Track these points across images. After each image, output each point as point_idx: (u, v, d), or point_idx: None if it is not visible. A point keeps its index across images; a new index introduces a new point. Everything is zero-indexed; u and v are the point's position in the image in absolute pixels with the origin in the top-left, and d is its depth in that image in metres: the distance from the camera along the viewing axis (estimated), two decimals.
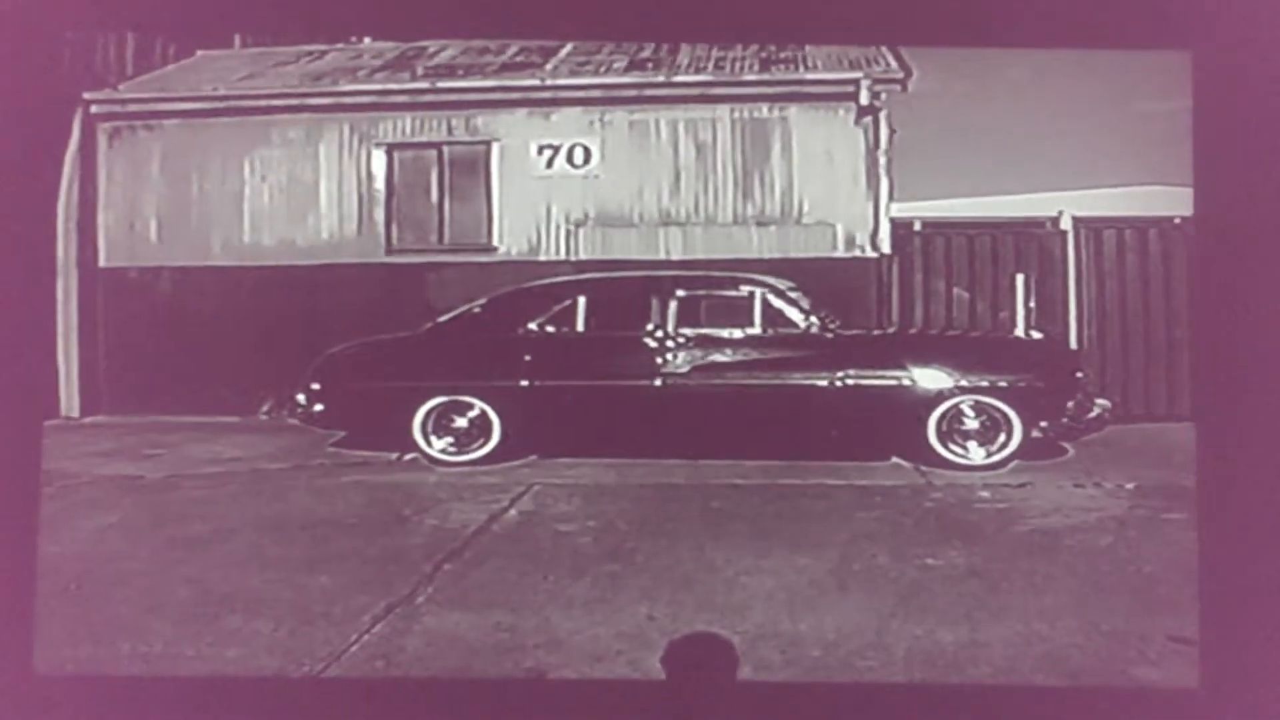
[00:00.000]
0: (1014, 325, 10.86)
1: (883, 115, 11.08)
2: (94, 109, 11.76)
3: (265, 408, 11.56)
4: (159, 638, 4.97)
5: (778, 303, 8.79)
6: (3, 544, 4.01)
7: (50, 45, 3.96)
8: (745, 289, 8.90)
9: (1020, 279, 11.03)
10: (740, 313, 8.85)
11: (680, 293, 8.88)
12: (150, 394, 11.66)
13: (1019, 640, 4.77)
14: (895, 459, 8.77)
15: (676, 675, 4.23)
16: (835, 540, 6.44)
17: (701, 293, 8.99)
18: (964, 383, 8.46)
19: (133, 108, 11.85)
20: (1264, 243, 3.60)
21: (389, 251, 11.70)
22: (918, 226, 11.39)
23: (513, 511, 7.26)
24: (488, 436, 8.87)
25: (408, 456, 9.07)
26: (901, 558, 6.04)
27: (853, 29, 4.31)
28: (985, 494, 7.65)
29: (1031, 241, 11.22)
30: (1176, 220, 11.24)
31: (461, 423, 8.92)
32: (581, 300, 8.98)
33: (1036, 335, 9.74)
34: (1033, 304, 11.00)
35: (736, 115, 11.26)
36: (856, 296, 10.96)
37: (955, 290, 11.21)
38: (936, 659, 4.60)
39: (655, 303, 8.85)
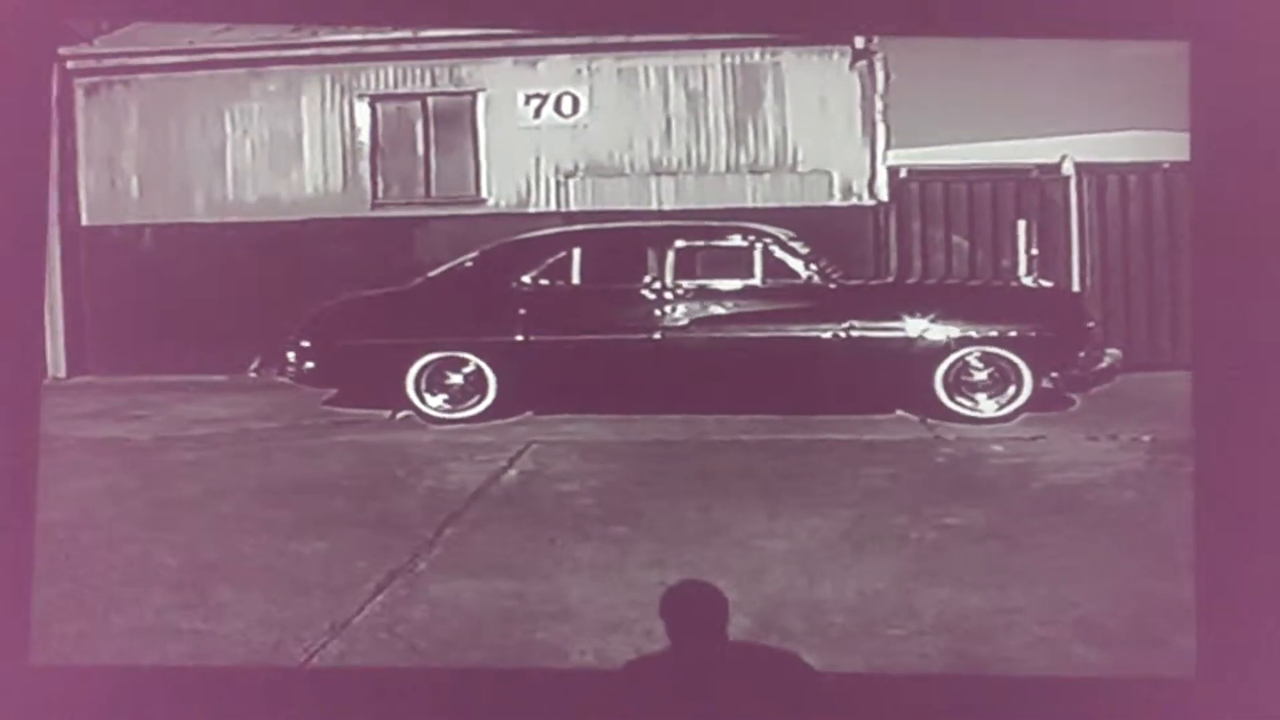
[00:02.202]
0: (1016, 273, 10.63)
1: (878, 59, 10.79)
2: (70, 64, 11.40)
3: (253, 366, 11.29)
4: (150, 610, 4.76)
5: (779, 253, 8.55)
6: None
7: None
8: (745, 239, 8.65)
9: (1022, 226, 10.79)
10: (740, 264, 8.61)
11: (678, 243, 8.62)
12: (137, 353, 11.38)
13: (1050, 605, 4.59)
14: (900, 412, 8.56)
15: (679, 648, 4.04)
16: (847, 499, 6.25)
17: (700, 243, 8.74)
18: (972, 333, 8.25)
19: (109, 63, 11.50)
20: (1263, 240, 3.55)
21: (374, 205, 11.40)
22: (903, 174, 11.11)
23: (512, 471, 7.05)
24: (483, 393, 8.63)
25: (401, 414, 8.82)
26: (918, 517, 5.85)
27: (850, 18, 4.18)
28: (998, 448, 7.45)
29: (1033, 188, 10.97)
30: (1165, 165, 11.04)
31: (456, 379, 8.68)
32: (576, 252, 8.72)
33: (1045, 284, 9.52)
34: (1034, 251, 10.77)
35: (728, 61, 10.95)
36: (854, 245, 10.69)
37: (955, 238, 10.98)
38: (966, 625, 4.42)
39: (652, 254, 8.60)
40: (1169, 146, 11.31)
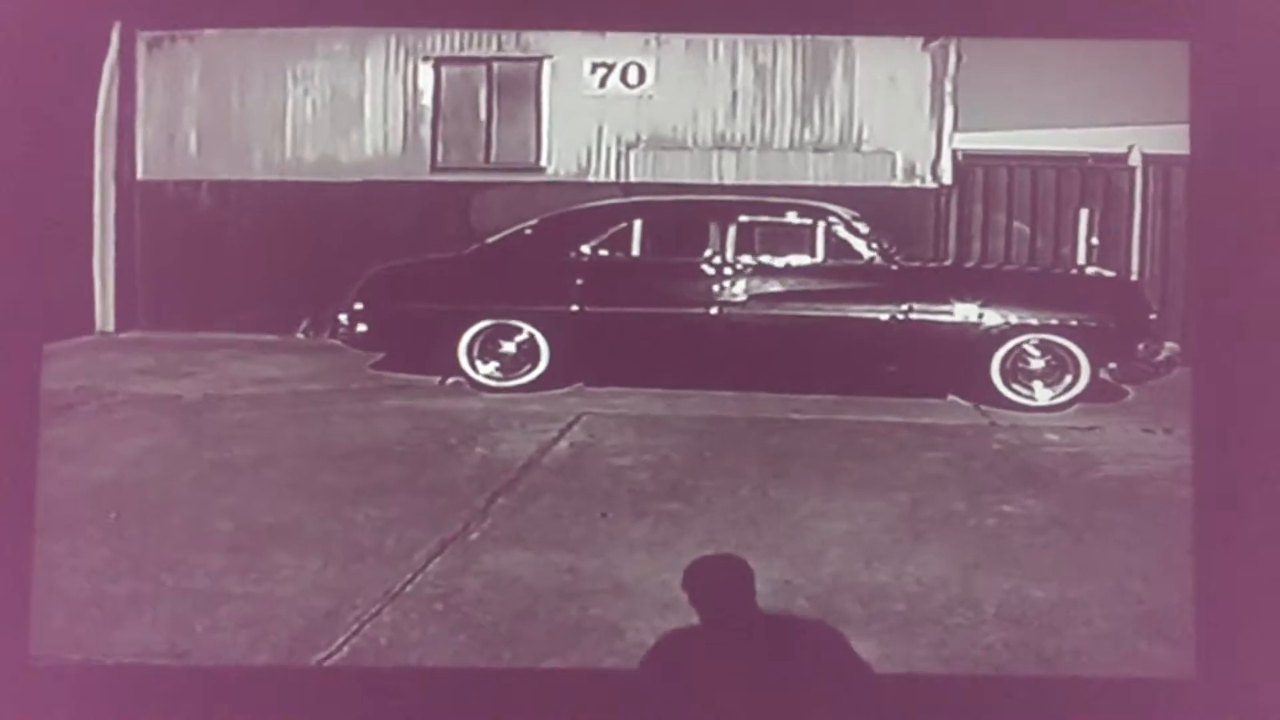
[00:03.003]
0: (1075, 261, 10.48)
1: (951, 42, 10.63)
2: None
3: (302, 327, 11.30)
4: (203, 572, 4.77)
5: (842, 232, 8.45)
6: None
7: None
8: (808, 217, 8.55)
9: (1084, 214, 10.64)
10: (801, 241, 8.51)
11: (741, 219, 8.53)
12: (187, 310, 11.39)
13: (1114, 599, 4.53)
14: (952, 397, 8.45)
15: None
16: (903, 483, 6.18)
17: (762, 219, 8.64)
18: (1032, 320, 8.13)
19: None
20: (1261, 236, 3.51)
21: (434, 169, 11.34)
22: (959, 156, 10.95)
23: (564, 443, 7.01)
24: (535, 362, 8.58)
25: (450, 380, 8.80)
26: (976, 504, 5.78)
27: (866, 21, 4.16)
28: (1053, 437, 7.35)
29: (1098, 176, 10.80)
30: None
31: (509, 347, 8.63)
32: (637, 224, 8.65)
33: (1106, 273, 9.37)
34: (1095, 240, 10.62)
35: (798, 37, 10.82)
36: (914, 227, 10.56)
37: (1015, 224, 10.82)
38: (1029, 617, 4.36)
39: (714, 228, 8.51)
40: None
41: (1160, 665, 3.98)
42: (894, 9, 3.98)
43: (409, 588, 4.62)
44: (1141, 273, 10.50)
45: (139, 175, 11.62)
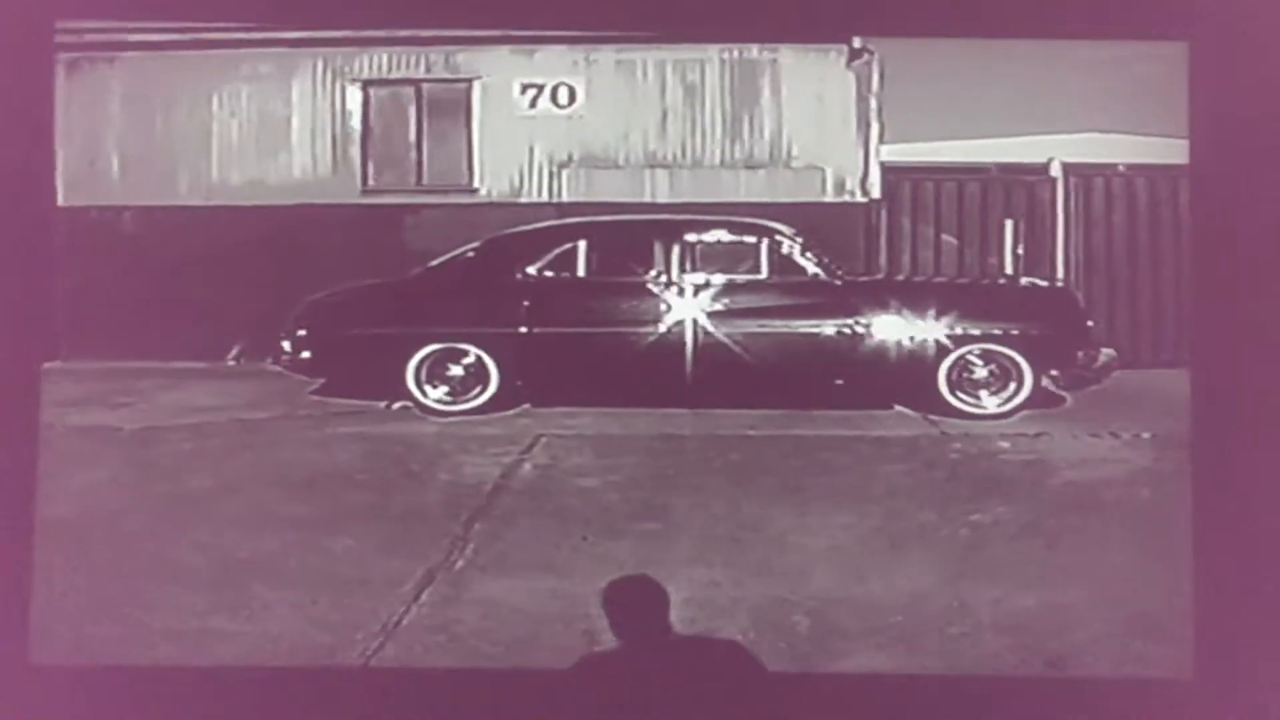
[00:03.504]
0: (1003, 271, 10.72)
1: (875, 57, 10.81)
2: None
3: (233, 353, 11.12)
4: (190, 613, 4.67)
5: (786, 248, 8.56)
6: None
7: None
8: (752, 235, 8.65)
9: (1009, 225, 10.88)
10: (746, 259, 8.60)
11: (686, 237, 8.60)
12: (111, 338, 11.15)
13: (1103, 603, 4.63)
14: (899, 408, 8.58)
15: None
16: (872, 495, 6.27)
17: (707, 238, 8.70)
18: (976, 330, 8.30)
19: (92, 39, 11.26)
20: (1261, 239, 3.61)
21: (364, 191, 11.24)
22: (884, 168, 11.14)
23: (526, 465, 6.99)
24: (484, 385, 8.55)
25: (396, 405, 8.73)
26: (947, 515, 5.88)
27: (856, 21, 4.21)
28: (1006, 445, 7.50)
29: (1021, 188, 11.05)
30: (1121, 168, 11.21)
31: (457, 371, 8.58)
32: (582, 244, 8.66)
33: (1042, 283, 9.60)
34: (1021, 250, 10.87)
35: (726, 56, 10.91)
36: (845, 241, 10.70)
37: (944, 236, 11.03)
38: (1026, 624, 4.45)
39: (659, 247, 8.56)
40: (1156, 150, 11.45)
41: (1158, 666, 4.09)
42: (893, 8, 4.02)
43: (405, 620, 4.58)
44: (1066, 280, 10.75)
45: (59, 201, 11.34)
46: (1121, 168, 11.23)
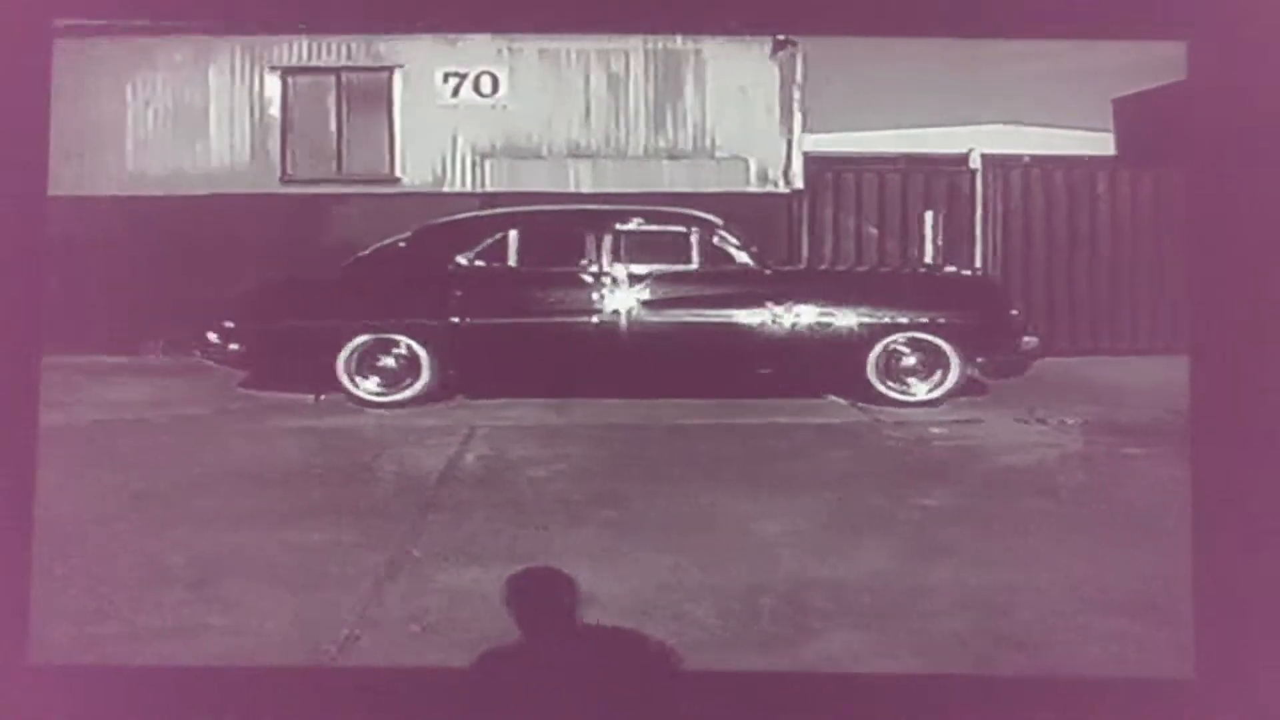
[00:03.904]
0: (922, 260, 10.92)
1: (799, 49, 10.94)
2: None
3: (157, 346, 10.90)
4: (169, 611, 4.59)
5: (716, 239, 8.63)
6: None
7: None
8: (682, 225, 8.70)
9: (929, 216, 11.08)
10: (677, 249, 8.66)
11: (617, 227, 8.62)
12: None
13: (1057, 582, 4.76)
14: (830, 396, 8.71)
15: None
16: (819, 481, 6.38)
17: (638, 228, 8.74)
18: (904, 319, 8.46)
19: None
20: (1260, 238, 3.68)
21: (284, 181, 11.11)
22: (799, 161, 11.28)
23: (470, 456, 6.98)
24: (416, 376, 8.50)
25: (323, 397, 8.64)
26: (896, 499, 5.99)
27: (849, 19, 4.23)
28: (940, 431, 7.67)
29: (941, 179, 11.27)
30: (1025, 159, 11.52)
31: (388, 362, 8.53)
32: (513, 234, 8.65)
33: (967, 273, 9.81)
34: (940, 241, 11.08)
35: (650, 46, 10.97)
36: (768, 231, 10.81)
37: (866, 227, 11.20)
38: (985, 603, 4.55)
39: (590, 238, 8.59)
40: (1072, 142, 11.71)
41: (1116, 637, 4.21)
42: (891, 6, 4.03)
43: (375, 610, 4.55)
44: (985, 269, 10.98)
45: None
46: (1027, 158, 11.51)
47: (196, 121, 11.05)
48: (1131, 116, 13.80)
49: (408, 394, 8.50)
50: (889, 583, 4.78)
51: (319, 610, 4.56)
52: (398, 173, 11.08)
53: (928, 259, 10.94)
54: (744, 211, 10.49)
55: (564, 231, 8.80)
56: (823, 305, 8.46)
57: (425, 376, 8.50)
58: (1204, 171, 3.71)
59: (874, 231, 11.18)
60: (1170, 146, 10.57)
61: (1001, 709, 3.78)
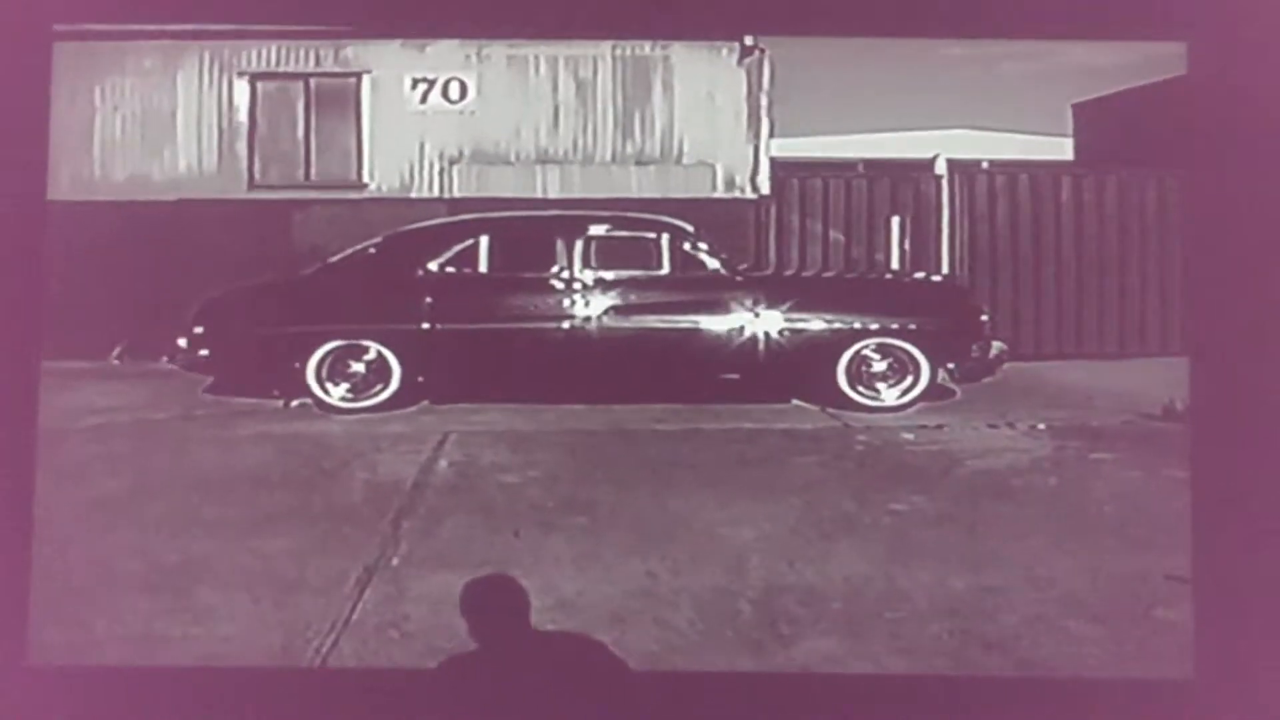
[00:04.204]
0: (888, 267, 10.99)
1: (766, 55, 10.99)
2: None
3: (116, 352, 10.83)
4: (136, 617, 4.58)
5: (687, 245, 8.66)
6: None
7: None
8: (652, 231, 8.73)
9: (895, 221, 11.15)
10: (647, 255, 8.69)
11: (587, 233, 8.64)
12: None
13: (1030, 585, 4.81)
14: (796, 401, 8.75)
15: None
16: (790, 487, 6.40)
17: (608, 234, 8.76)
18: (874, 324, 8.51)
19: None
20: (1259, 238, 3.71)
21: (251, 187, 11.07)
22: (766, 167, 11.32)
23: (441, 462, 6.98)
24: (386, 382, 8.49)
25: (294, 403, 8.61)
26: (866, 504, 6.04)
27: (848, 20, 4.26)
28: (909, 436, 7.71)
29: (907, 184, 11.33)
30: (984, 165, 11.64)
31: (358, 368, 8.50)
32: (484, 240, 8.65)
33: (936, 278, 9.87)
34: (907, 246, 11.15)
35: (618, 53, 11.00)
36: (735, 237, 10.86)
37: (831, 233, 11.25)
38: (960, 607, 4.60)
39: (561, 244, 8.60)
40: (1034, 146, 11.79)
41: (1091, 641, 4.26)
42: (890, 8, 4.06)
43: (354, 616, 4.55)
44: (951, 275, 11.05)
45: None
46: (985, 164, 11.61)
47: (164, 127, 11.00)
48: (1091, 121, 13.94)
49: (377, 400, 8.49)
50: (862, 587, 4.83)
51: (295, 615, 4.56)
52: (365, 179, 11.06)
53: (894, 264, 11.01)
54: (710, 217, 10.52)
55: (535, 237, 8.80)
56: (793, 311, 8.51)
57: (395, 382, 8.49)
58: (1203, 171, 3.73)
59: (840, 237, 11.23)
60: (1133, 150, 10.71)
61: (1002, 709, 3.80)
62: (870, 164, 11.67)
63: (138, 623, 4.51)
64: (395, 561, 5.20)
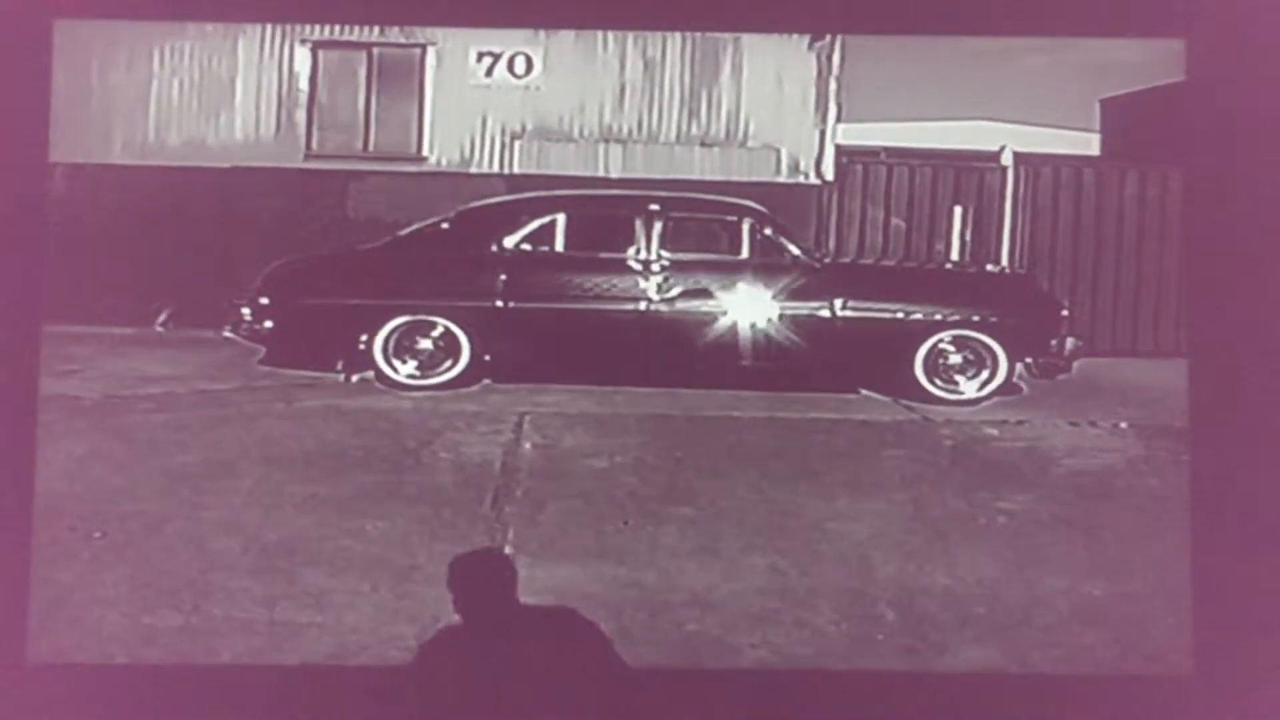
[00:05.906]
0: (948, 256, 10.83)
1: (837, 40, 10.81)
2: None
3: (161, 319, 10.66)
4: (248, 598, 4.44)
5: (768, 230, 8.49)
6: None
7: None
8: (733, 214, 8.57)
9: (958, 211, 10.99)
10: (726, 238, 8.54)
11: (668, 215, 8.47)
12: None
13: (1171, 593, 4.67)
14: (864, 391, 8.59)
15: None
16: (891, 482, 6.26)
17: (688, 216, 8.60)
18: (955, 316, 8.35)
19: None
20: (1258, 235, 3.65)
21: (308, 156, 10.86)
22: (831, 153, 11.14)
23: (526, 445, 6.83)
24: (455, 359, 8.32)
25: (355, 377, 8.45)
26: (973, 502, 5.90)
27: (863, 17, 4.19)
28: (993, 432, 7.56)
29: (972, 175, 11.17)
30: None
31: (425, 344, 8.33)
32: (561, 218, 8.48)
33: (1016, 271, 9.73)
34: (968, 236, 10.99)
35: (687, 33, 10.81)
36: (796, 222, 10.67)
37: (893, 220, 11.09)
38: (1100, 615, 4.47)
39: (639, 224, 8.42)
40: (1062, 141, 11.61)
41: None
42: (898, 4, 3.98)
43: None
44: (1011, 267, 10.89)
45: None
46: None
47: (222, 92, 10.78)
48: (1121, 117, 13.78)
49: (443, 378, 8.32)
50: (1000, 591, 4.71)
51: (415, 605, 4.43)
52: (424, 151, 10.87)
53: (954, 254, 10.85)
54: (773, 201, 10.37)
55: (612, 217, 8.63)
56: (873, 300, 8.36)
57: (464, 361, 8.32)
58: (1202, 170, 3.68)
59: (901, 225, 11.08)
60: (1159, 148, 10.57)
61: (1002, 707, 3.74)
62: (934, 153, 11.50)
63: (257, 609, 4.37)
64: (508, 550, 5.06)
